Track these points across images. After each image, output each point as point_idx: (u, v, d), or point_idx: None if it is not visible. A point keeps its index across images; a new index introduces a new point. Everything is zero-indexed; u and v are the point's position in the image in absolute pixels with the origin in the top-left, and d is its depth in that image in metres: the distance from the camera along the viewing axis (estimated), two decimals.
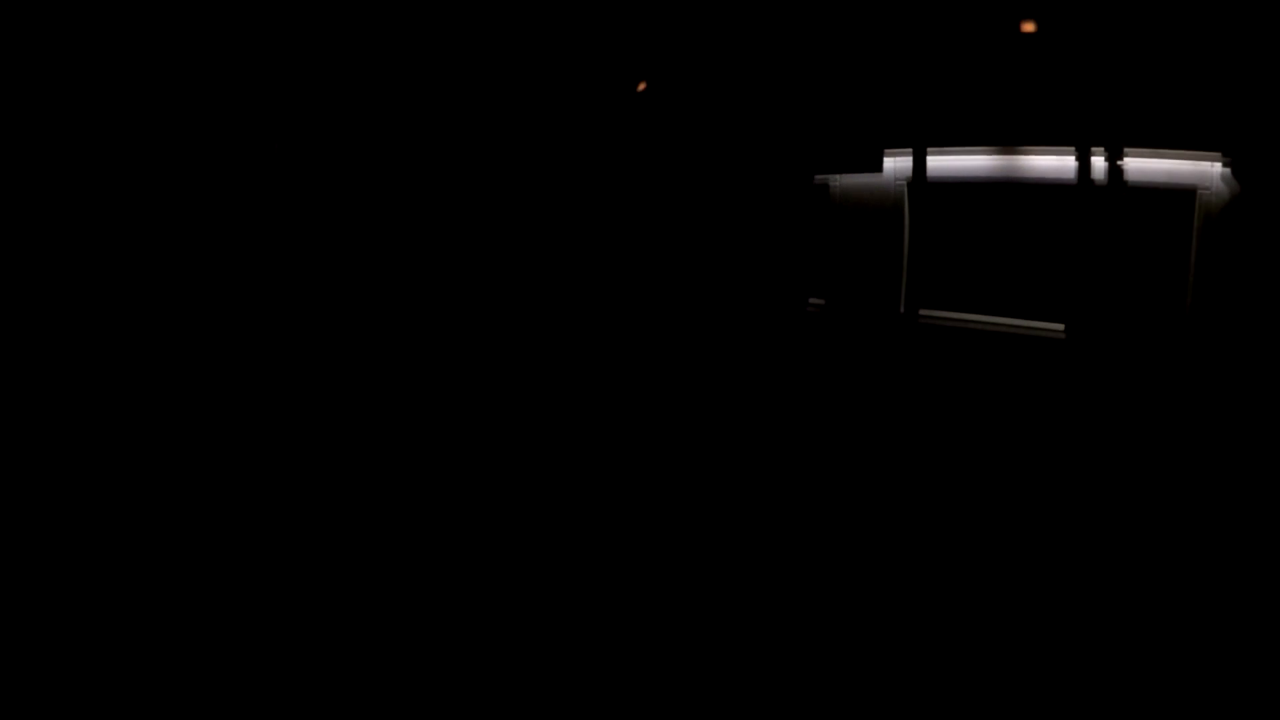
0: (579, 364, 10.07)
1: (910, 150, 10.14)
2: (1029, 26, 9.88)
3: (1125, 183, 9.41)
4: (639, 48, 10.70)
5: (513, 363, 10.06)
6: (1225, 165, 9.06)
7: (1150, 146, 9.37)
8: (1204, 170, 9.27)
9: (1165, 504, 6.20)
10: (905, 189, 10.33)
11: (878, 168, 10.27)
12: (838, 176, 10.69)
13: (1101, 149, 9.42)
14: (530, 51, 10.77)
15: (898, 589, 4.68)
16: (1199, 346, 8.89)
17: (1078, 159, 9.54)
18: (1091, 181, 9.49)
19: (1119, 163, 9.37)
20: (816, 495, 6.32)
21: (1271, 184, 8.80)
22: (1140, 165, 9.48)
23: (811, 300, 10.71)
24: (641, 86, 10.85)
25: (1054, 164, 9.86)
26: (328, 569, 4.84)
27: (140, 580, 4.61)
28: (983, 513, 5.95)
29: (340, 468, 6.71)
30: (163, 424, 7.45)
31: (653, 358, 10.41)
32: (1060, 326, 9.58)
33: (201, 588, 4.53)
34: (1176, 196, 9.40)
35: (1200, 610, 4.41)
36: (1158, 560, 5.13)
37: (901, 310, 10.11)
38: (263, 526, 5.47)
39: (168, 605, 4.30)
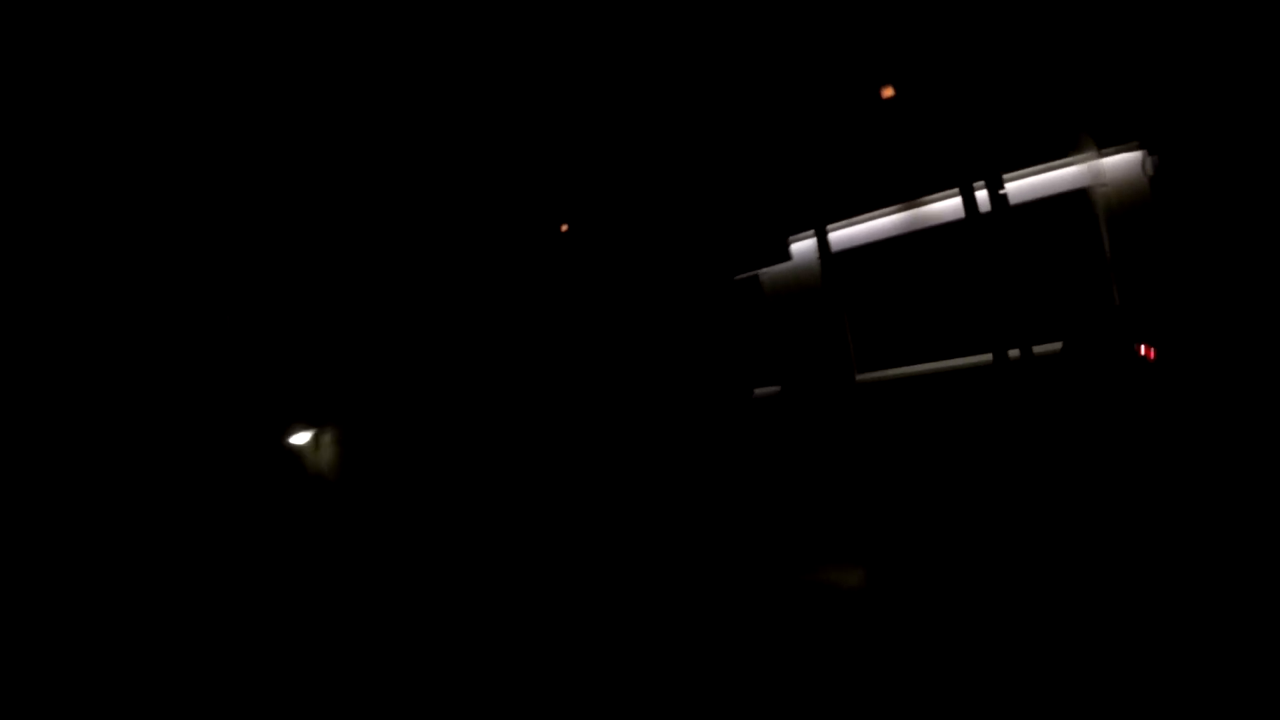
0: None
1: (813, 232, 10.69)
2: (888, 92, 10.45)
3: (1009, 206, 9.48)
4: (554, 196, 12.18)
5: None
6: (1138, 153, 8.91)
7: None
8: (1095, 168, 9.22)
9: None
10: (818, 265, 10.78)
11: (786, 256, 10.83)
12: (764, 269, 11.29)
13: (981, 182, 9.59)
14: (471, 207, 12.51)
15: None
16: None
17: (963, 195, 9.71)
18: (980, 213, 9.60)
19: (1000, 192, 9.49)
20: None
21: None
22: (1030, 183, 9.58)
23: (758, 389, 11.08)
24: (564, 228, 12.23)
25: (952, 205, 10.08)
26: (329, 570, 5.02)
27: (141, 580, 4.84)
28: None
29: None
30: (163, 424, 7.67)
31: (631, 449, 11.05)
32: (989, 356, 9.45)
33: (202, 587, 4.73)
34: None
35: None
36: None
37: (839, 380, 10.30)
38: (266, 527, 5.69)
39: (170, 605, 4.53)
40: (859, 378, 10.16)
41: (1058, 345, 8.92)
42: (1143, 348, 7.23)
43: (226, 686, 5.06)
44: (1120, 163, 9.05)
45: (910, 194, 10.25)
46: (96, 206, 9.89)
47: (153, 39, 9.94)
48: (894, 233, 10.51)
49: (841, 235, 10.70)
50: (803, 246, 10.92)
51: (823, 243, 10.50)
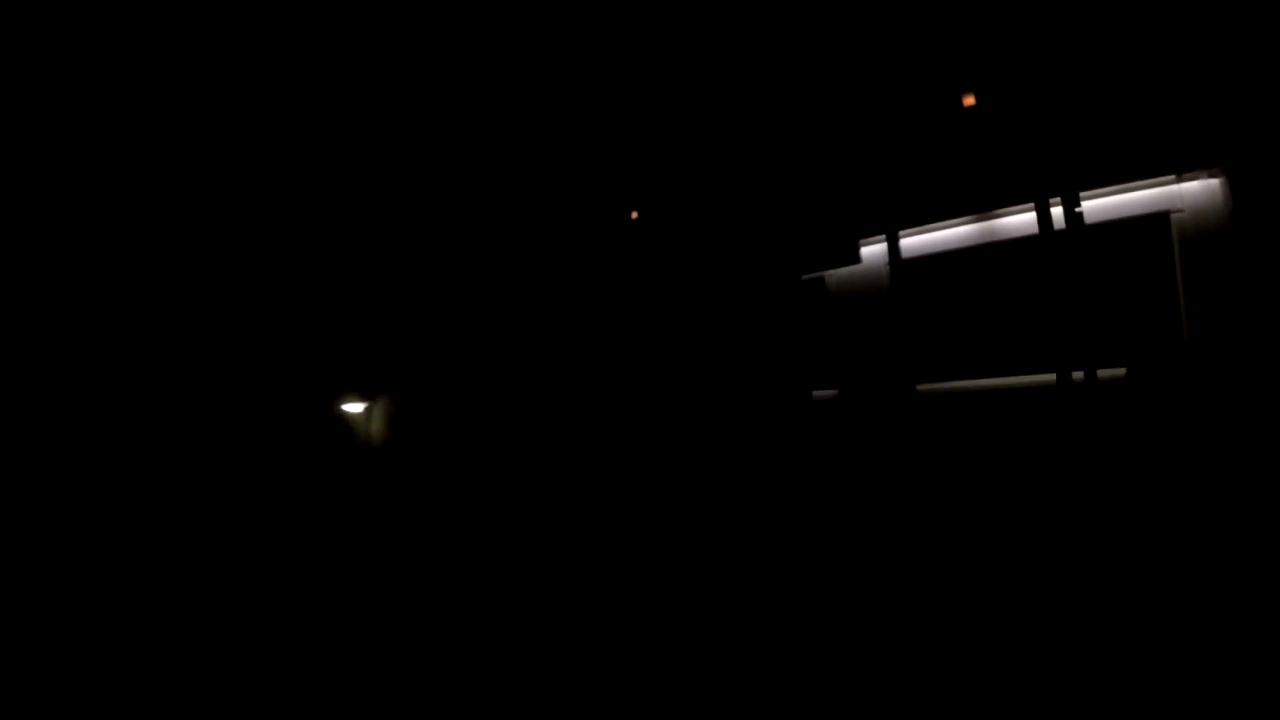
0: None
1: (884, 237, 10.83)
2: (969, 100, 10.45)
3: (1084, 225, 9.53)
4: (631, 185, 12.44)
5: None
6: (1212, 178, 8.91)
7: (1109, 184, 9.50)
8: (1172, 192, 9.20)
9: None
10: (887, 271, 10.94)
11: (855, 259, 11.00)
12: (831, 271, 11.48)
13: (1058, 198, 9.64)
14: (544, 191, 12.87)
15: None
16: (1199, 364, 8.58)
17: (1037, 211, 9.77)
18: (1057, 231, 9.67)
19: (1076, 210, 9.53)
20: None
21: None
22: (1109, 202, 9.59)
23: (816, 391, 11.33)
24: (634, 215, 12.49)
25: (1026, 220, 10.15)
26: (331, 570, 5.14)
27: (144, 580, 4.91)
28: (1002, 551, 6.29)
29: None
30: (164, 426, 7.67)
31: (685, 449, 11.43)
32: (1052, 376, 9.59)
33: (206, 587, 4.84)
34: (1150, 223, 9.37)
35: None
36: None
37: (900, 388, 10.52)
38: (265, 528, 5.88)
39: (174, 604, 4.54)
40: (919, 387, 10.36)
41: (1122, 371, 9.06)
42: None
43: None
44: (1199, 189, 9.02)
45: (985, 205, 10.30)
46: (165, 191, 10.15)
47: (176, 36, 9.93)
48: (965, 243, 10.59)
49: (911, 242, 10.82)
50: (872, 251, 11.06)
51: (893, 248, 10.63)
